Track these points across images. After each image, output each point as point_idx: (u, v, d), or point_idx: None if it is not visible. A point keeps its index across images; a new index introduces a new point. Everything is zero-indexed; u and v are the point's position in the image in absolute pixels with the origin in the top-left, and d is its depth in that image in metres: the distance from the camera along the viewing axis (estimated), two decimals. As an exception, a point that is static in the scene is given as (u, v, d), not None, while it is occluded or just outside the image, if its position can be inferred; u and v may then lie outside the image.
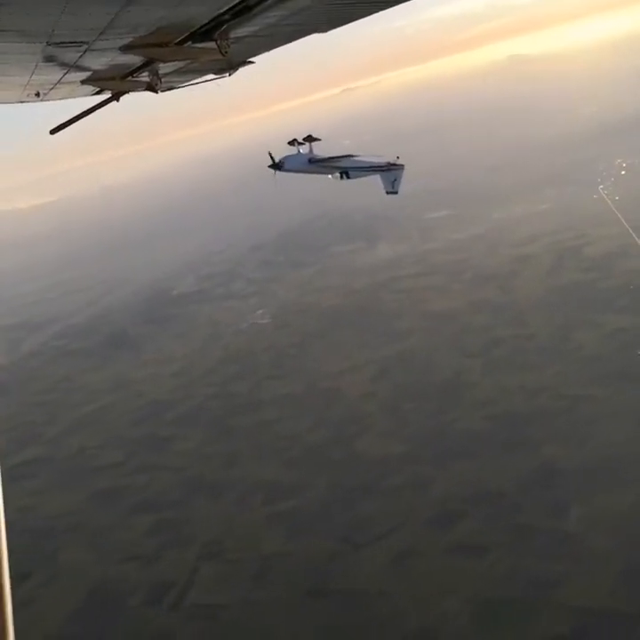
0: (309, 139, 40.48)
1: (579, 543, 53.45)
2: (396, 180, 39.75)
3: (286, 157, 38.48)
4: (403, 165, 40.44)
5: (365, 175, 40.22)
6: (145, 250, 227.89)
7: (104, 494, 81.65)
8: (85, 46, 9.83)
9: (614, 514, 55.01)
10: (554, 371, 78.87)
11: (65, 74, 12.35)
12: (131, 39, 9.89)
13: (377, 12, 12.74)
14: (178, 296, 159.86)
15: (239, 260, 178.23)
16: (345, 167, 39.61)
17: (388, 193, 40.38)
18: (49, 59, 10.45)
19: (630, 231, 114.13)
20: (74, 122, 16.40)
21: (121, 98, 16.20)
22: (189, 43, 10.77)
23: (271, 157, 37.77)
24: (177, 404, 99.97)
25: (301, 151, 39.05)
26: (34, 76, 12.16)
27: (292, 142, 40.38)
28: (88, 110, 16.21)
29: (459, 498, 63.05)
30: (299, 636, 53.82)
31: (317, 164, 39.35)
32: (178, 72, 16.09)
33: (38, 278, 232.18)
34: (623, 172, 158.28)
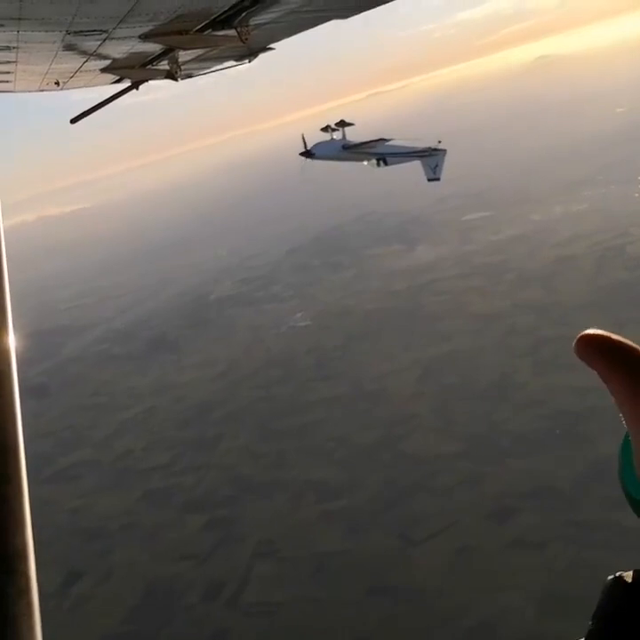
0: (342, 124, 38.31)
1: (638, 536, 53.16)
2: (437, 165, 38.32)
3: (318, 144, 36.79)
4: (445, 150, 38.84)
5: (404, 161, 38.56)
6: (180, 255, 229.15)
7: (154, 495, 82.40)
8: (105, 35, 9.76)
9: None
10: (604, 369, 78.30)
11: (84, 62, 12.31)
12: (151, 27, 9.88)
13: None
14: (216, 300, 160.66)
15: (275, 263, 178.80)
16: (382, 153, 37.87)
17: (429, 180, 39.11)
18: (69, 47, 10.39)
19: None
20: (94, 111, 16.54)
21: (140, 86, 16.30)
22: (209, 30, 10.78)
23: (304, 142, 36.42)
24: (222, 405, 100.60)
25: (334, 138, 37.63)
26: (54, 65, 12.15)
27: (326, 128, 38.55)
28: (108, 99, 16.34)
29: (514, 494, 62.92)
30: (359, 633, 54.01)
31: (352, 150, 37.34)
32: (197, 60, 16.19)
33: (75, 284, 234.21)
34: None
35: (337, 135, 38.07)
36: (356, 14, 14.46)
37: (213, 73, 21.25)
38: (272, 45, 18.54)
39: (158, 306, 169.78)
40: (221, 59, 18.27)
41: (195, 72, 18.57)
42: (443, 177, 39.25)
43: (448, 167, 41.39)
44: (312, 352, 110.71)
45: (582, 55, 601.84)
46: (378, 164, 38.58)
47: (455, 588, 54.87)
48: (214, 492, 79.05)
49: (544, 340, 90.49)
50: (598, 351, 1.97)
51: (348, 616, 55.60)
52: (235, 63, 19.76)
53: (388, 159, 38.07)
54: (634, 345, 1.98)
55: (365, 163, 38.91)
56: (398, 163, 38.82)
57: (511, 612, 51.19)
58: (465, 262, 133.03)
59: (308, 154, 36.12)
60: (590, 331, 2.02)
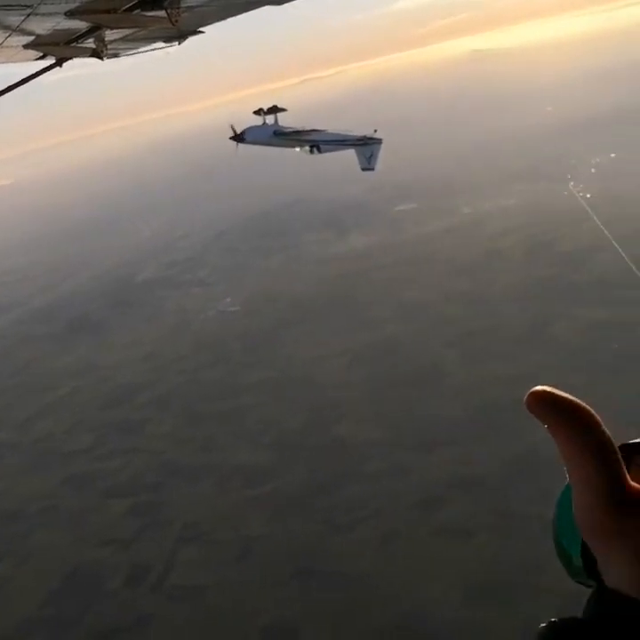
0: (274, 109, 37.31)
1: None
2: (372, 155, 37.61)
3: (249, 129, 35.80)
4: (380, 139, 38.15)
5: (338, 149, 37.97)
6: (104, 235, 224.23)
7: (77, 478, 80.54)
8: (29, 10, 9.46)
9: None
10: (530, 361, 79.65)
11: (7, 37, 11.88)
12: (77, 4, 9.59)
13: None
14: (142, 282, 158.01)
15: (203, 246, 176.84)
16: (315, 140, 37.09)
17: (363, 169, 38.58)
18: None
19: (601, 227, 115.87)
20: (16, 87, 16.02)
21: (64, 64, 15.82)
22: (138, 10, 10.52)
23: (233, 129, 35.45)
24: (148, 388, 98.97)
25: (267, 122, 36.70)
26: None
27: (258, 112, 37.59)
28: (31, 76, 15.84)
29: (441, 483, 63.41)
30: (285, 617, 53.74)
31: (284, 137, 36.44)
32: (125, 39, 15.96)
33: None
34: (593, 170, 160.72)
35: (269, 120, 36.84)
36: (290, 1, 14.03)
37: (141, 53, 20.52)
38: (202, 28, 17.92)
39: (80, 286, 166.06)
40: (150, 39, 17.66)
41: (122, 52, 18.40)
42: (377, 167, 38.69)
43: (382, 157, 40.81)
44: (241, 337, 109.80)
45: (514, 52, 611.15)
46: (311, 151, 37.77)
47: (381, 575, 54.96)
48: (140, 476, 77.72)
49: (472, 330, 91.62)
50: (548, 408, 2.04)
51: (274, 600, 55.27)
52: (163, 45, 19.09)
53: (321, 147, 37.28)
54: (581, 403, 2.07)
55: (298, 149, 38.07)
56: (332, 151, 38.11)
57: (437, 599, 51.55)
58: (396, 252, 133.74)
59: (238, 138, 35.20)
60: (540, 387, 2.07)
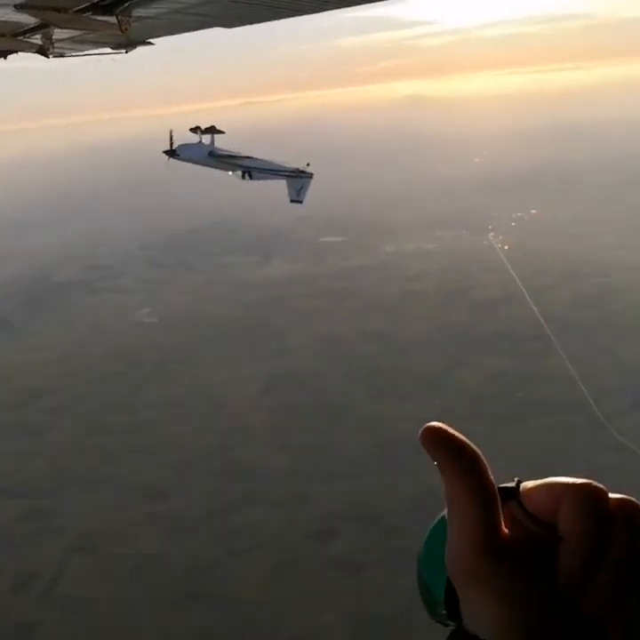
0: (212, 130, 37.99)
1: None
2: (302, 188, 38.57)
3: (183, 146, 35.39)
4: (311, 174, 39.41)
5: (270, 178, 38.88)
6: (22, 233, 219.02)
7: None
8: None
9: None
10: (435, 404, 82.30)
11: None
12: None
13: (281, 18, 13.14)
14: (58, 284, 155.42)
15: (126, 256, 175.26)
16: (248, 166, 37.99)
17: (292, 201, 39.42)
18: None
19: (516, 280, 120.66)
20: None
21: (8, 57, 16.30)
22: (89, 13, 10.53)
23: (171, 140, 35.80)
24: (53, 393, 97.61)
25: (203, 142, 37.36)
26: None
27: (195, 129, 38.07)
28: None
29: (339, 516, 64.88)
30: (171, 637, 53.99)
31: (218, 159, 37.13)
32: (73, 40, 16.02)
33: None
34: (513, 224, 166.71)
35: (205, 140, 36.42)
36: (239, 26, 14.81)
37: (87, 56, 20.91)
38: (151, 40, 18.50)
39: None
40: (98, 44, 17.90)
41: (68, 52, 18.40)
42: (305, 199, 39.88)
43: (311, 188, 42.30)
44: (155, 350, 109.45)
45: (451, 100, 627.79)
46: (243, 177, 38.30)
47: (271, 602, 55.89)
48: (36, 480, 76.63)
49: (382, 368, 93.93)
50: (439, 443, 2.13)
51: (163, 620, 55.50)
52: (111, 51, 19.41)
53: (253, 173, 37.60)
54: (470, 444, 2.16)
55: (230, 173, 38.70)
56: (264, 179, 39.06)
57: (325, 628, 52.72)
58: (316, 283, 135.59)
59: (172, 153, 34.78)
60: (435, 423, 2.16)
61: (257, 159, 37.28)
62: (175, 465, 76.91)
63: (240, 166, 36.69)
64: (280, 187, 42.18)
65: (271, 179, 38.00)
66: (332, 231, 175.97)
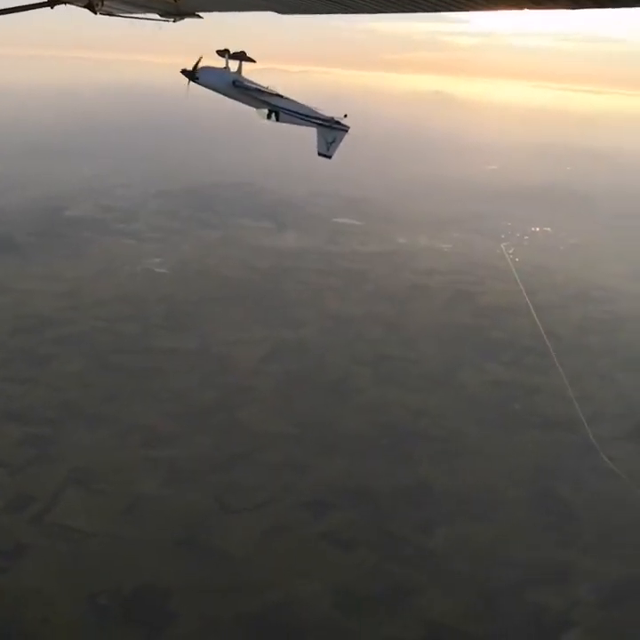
0: (241, 56, 35.05)
1: (441, 561, 57.76)
2: (334, 141, 35.74)
3: (206, 69, 33.74)
4: (347, 128, 36.46)
5: (299, 123, 36.01)
6: (38, 162, 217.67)
7: (-27, 394, 79.72)
8: None
9: (476, 543, 59.82)
10: (436, 399, 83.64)
11: None
12: None
13: (335, 13, 13.38)
14: (72, 218, 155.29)
15: (141, 201, 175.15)
16: (277, 105, 35.24)
17: (320, 154, 36.83)
18: None
19: (524, 293, 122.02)
20: (4, 13, 16.38)
21: (55, 7, 16.21)
22: None
23: (196, 64, 33.34)
24: (61, 325, 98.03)
25: (230, 69, 34.84)
26: None
27: (223, 52, 35.52)
28: (20, 7, 16.08)
29: (335, 490, 66.08)
30: (160, 581, 54.92)
31: (243, 90, 34.53)
32: (122, 1, 16.46)
33: None
34: (526, 237, 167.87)
35: (233, 68, 35.24)
36: (293, 14, 14.85)
37: (134, 19, 20.60)
38: (200, 14, 18.74)
39: (7, 207, 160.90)
40: (148, 9, 18.22)
41: (116, 12, 18.88)
42: (334, 156, 37.58)
43: (333, 162, 40.78)
44: (164, 300, 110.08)
45: (475, 103, 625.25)
46: (268, 116, 35.64)
47: (261, 563, 57.01)
48: (37, 408, 77.35)
49: (387, 356, 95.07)
50: None
51: (155, 562, 56.49)
52: (158, 18, 19.72)
53: (281, 114, 35.08)
54: None
55: (255, 110, 36.06)
56: (291, 122, 36.58)
57: (309, 598, 53.98)
58: (328, 261, 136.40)
59: (191, 76, 30.38)
60: None
61: (288, 99, 35.14)
62: (177, 414, 77.78)
63: (267, 103, 34.18)
64: (301, 153, 40.58)
65: (299, 124, 35.56)
66: (347, 213, 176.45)
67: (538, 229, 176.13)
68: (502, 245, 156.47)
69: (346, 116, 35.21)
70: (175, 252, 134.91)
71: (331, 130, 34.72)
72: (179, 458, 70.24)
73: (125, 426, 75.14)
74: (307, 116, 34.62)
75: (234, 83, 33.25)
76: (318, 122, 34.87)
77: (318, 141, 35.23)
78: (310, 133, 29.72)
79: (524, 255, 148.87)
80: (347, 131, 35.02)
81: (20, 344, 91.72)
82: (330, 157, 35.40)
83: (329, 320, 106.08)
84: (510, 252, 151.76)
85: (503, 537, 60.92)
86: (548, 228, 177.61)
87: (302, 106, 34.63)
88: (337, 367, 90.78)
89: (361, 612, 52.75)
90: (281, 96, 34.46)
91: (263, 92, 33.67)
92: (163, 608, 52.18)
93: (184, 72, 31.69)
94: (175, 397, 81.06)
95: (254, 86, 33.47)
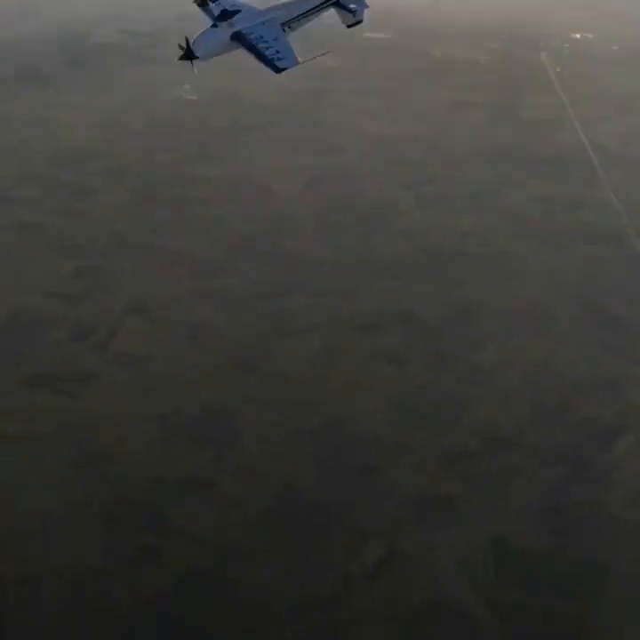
0: None
1: (493, 376, 60.18)
2: (356, 7, 31.36)
3: (199, 41, 30.18)
4: None
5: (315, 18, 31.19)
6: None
7: (24, 227, 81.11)
8: None
9: (526, 358, 62.06)
10: (482, 220, 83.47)
11: None
12: None
13: None
14: (98, 45, 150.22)
15: (165, 25, 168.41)
16: (288, 21, 30.33)
17: (349, 26, 32.30)
18: None
19: (567, 105, 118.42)
20: None
21: None
22: None
23: (187, 44, 29.91)
24: (99, 158, 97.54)
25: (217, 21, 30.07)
26: None
27: (202, 2, 30.51)
28: None
29: (383, 313, 67.96)
30: (223, 402, 58.01)
31: (247, 37, 29.78)
32: None
33: None
34: (567, 46, 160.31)
35: (215, 10, 30.25)
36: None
37: None
38: None
39: (26, 35, 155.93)
40: None
41: None
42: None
43: None
44: (197, 129, 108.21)
45: None
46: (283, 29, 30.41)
47: (317, 383, 59.86)
48: (89, 240, 78.89)
49: (430, 178, 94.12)
50: None
51: (214, 385, 59.49)
52: None
53: (293, 25, 30.67)
54: None
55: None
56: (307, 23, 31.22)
57: (364, 414, 56.74)
58: (362, 81, 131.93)
59: (189, 56, 29.74)
60: None
61: (287, 4, 31.07)
62: (222, 243, 78.86)
63: (277, 25, 30.37)
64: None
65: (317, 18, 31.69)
66: (377, 27, 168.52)
67: (579, 36, 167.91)
68: (542, 54, 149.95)
69: None
70: (203, 78, 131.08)
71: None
72: (229, 286, 72.05)
73: (174, 256, 76.62)
74: (318, 5, 30.61)
75: (232, 37, 30.12)
76: (329, 3, 30.87)
77: (341, 17, 31.18)
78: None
79: (565, 64, 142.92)
80: None
81: (60, 177, 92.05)
82: (361, 21, 31.50)
83: (367, 144, 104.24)
84: (551, 61, 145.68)
85: (553, 351, 63.16)
86: (589, 34, 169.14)
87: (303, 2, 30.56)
88: (378, 192, 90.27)
89: (416, 427, 55.59)
90: (283, 5, 30.38)
91: (265, 19, 29.67)
92: (227, 427, 55.34)
93: (182, 57, 29.74)
94: (219, 227, 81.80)
95: (254, 23, 29.45)
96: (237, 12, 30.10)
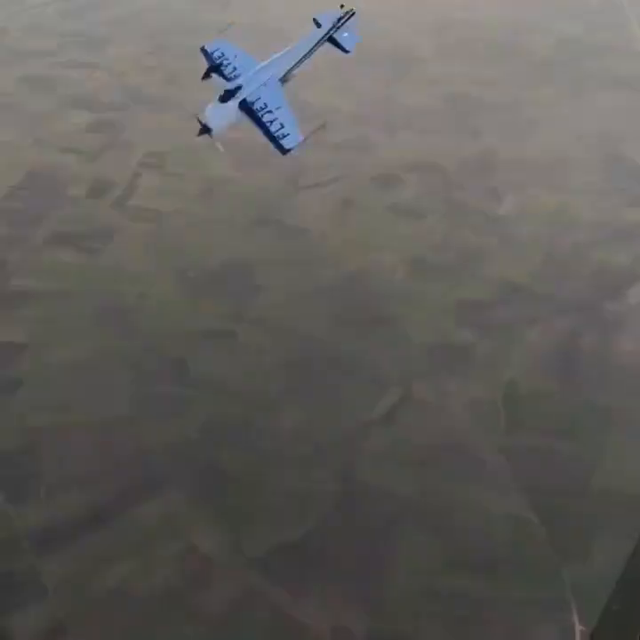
0: (215, 69, 31.53)
1: (509, 227, 60.31)
2: (348, 35, 31.64)
3: (210, 115, 30.50)
4: (353, 11, 31.72)
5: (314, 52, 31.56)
6: None
7: (37, 80, 79.95)
8: None
9: (544, 207, 62.09)
10: (501, 68, 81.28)
11: None
12: None
13: None
14: None
15: None
16: (290, 69, 30.89)
17: (346, 52, 32.47)
18: None
19: None
20: None
21: None
22: None
23: (201, 124, 30.43)
24: (111, 5, 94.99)
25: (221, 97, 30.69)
26: None
27: (206, 75, 32.22)
28: None
29: (401, 165, 67.33)
30: (244, 256, 58.06)
31: (252, 108, 29.90)
32: None
33: None
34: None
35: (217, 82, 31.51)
36: None
37: None
38: None
39: None
40: None
41: None
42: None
43: None
44: None
45: None
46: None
47: (336, 237, 60.10)
48: (102, 93, 78.00)
49: (450, 21, 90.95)
50: None
51: (233, 240, 59.83)
52: None
53: (290, 77, 31.45)
54: None
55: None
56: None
57: (384, 266, 57.29)
58: None
59: (206, 131, 30.35)
60: None
61: (285, 55, 31.37)
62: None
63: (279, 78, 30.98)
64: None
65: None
66: None
67: None
68: None
69: (342, 5, 30.07)
70: None
71: (339, 33, 29.75)
72: (245, 139, 70.94)
73: (189, 109, 75.15)
74: (312, 49, 30.96)
75: (240, 106, 29.93)
76: (324, 40, 30.97)
77: (343, 42, 30.22)
78: None
79: None
80: (353, 14, 29.93)
81: (72, 28, 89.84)
82: (348, 52, 30.55)
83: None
84: None
85: (571, 200, 63.06)
86: None
87: (300, 47, 30.81)
88: (398, 40, 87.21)
89: (431, 278, 56.16)
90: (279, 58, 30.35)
91: (266, 83, 29.71)
92: (248, 281, 56.20)
93: (200, 132, 29.99)
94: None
95: (256, 85, 29.69)
96: (239, 88, 30.74)
